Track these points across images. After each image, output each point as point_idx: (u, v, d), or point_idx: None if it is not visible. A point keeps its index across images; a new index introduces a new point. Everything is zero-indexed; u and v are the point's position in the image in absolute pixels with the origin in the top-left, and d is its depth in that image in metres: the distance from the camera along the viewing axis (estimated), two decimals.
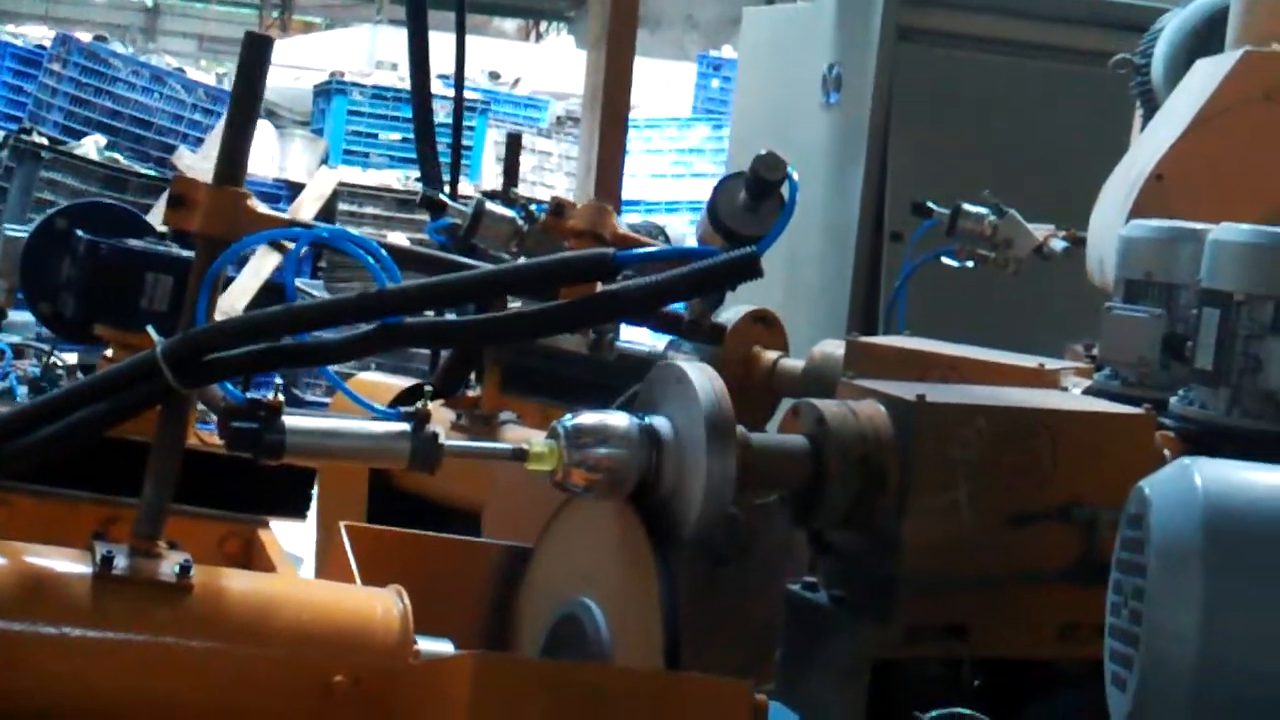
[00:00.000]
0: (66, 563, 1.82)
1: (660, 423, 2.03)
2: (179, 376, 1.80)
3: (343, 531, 2.24)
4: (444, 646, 1.99)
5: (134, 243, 2.26)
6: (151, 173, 9.31)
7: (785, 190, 2.55)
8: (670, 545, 2.02)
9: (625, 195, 7.44)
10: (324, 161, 10.15)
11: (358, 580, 2.12)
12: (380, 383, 3.68)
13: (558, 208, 2.64)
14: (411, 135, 10.66)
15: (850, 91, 5.72)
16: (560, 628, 2.13)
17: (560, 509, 2.21)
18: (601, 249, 1.76)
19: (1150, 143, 3.68)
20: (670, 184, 11.23)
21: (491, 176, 10.46)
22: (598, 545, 2.11)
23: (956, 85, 5.46)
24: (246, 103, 1.83)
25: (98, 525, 1.99)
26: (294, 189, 9.67)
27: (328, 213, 9.76)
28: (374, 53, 15.97)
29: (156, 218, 8.15)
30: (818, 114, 5.90)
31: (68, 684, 1.78)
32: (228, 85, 10.78)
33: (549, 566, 2.23)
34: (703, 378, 1.97)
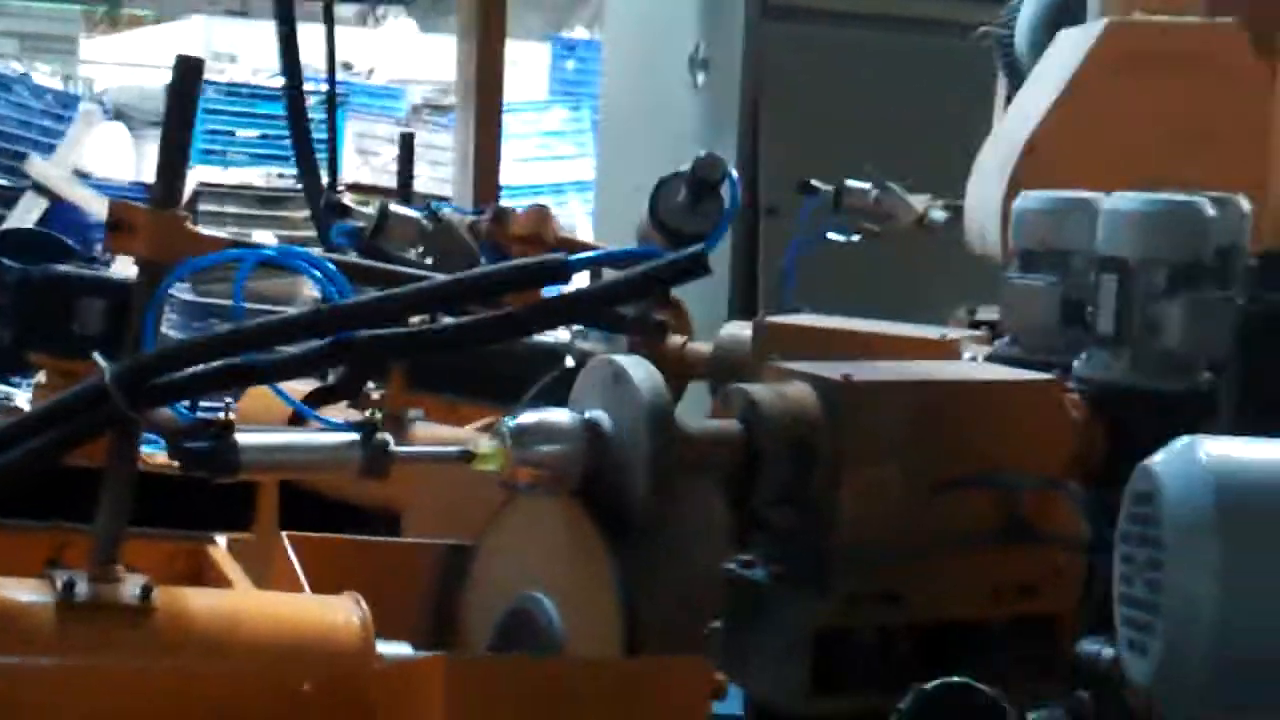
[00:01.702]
0: (27, 592, 1.82)
1: (600, 417, 2.08)
2: (130, 401, 1.81)
3: (285, 541, 2.27)
4: (402, 649, 2.03)
5: (63, 268, 2.25)
6: (3, 181, 9.08)
7: (725, 189, 2.62)
8: (616, 535, 2.08)
9: None
10: None
11: (306, 589, 2.15)
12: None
13: (499, 215, 2.68)
14: (270, 132, 10.49)
15: (718, 72, 5.81)
16: (509, 623, 2.17)
17: (502, 506, 2.26)
18: (555, 255, 1.82)
19: (1019, 115, 3.81)
20: (533, 168, 11.25)
21: (352, 170, 10.37)
22: (544, 540, 2.16)
23: (823, 61, 5.58)
24: (180, 125, 1.84)
25: (49, 554, 1.99)
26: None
27: (189, 213, 9.59)
28: (210, 43, 15.68)
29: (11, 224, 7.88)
30: (687, 95, 5.98)
31: (36, 716, 1.79)
32: (73, 88, 10.55)
33: (493, 563, 2.27)
34: (641, 372, 2.04)
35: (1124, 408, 2.33)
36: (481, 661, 1.94)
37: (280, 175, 9.74)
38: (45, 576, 1.85)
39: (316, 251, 2.24)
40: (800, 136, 5.53)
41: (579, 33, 13.44)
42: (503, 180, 10.92)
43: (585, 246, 2.70)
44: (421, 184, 10.74)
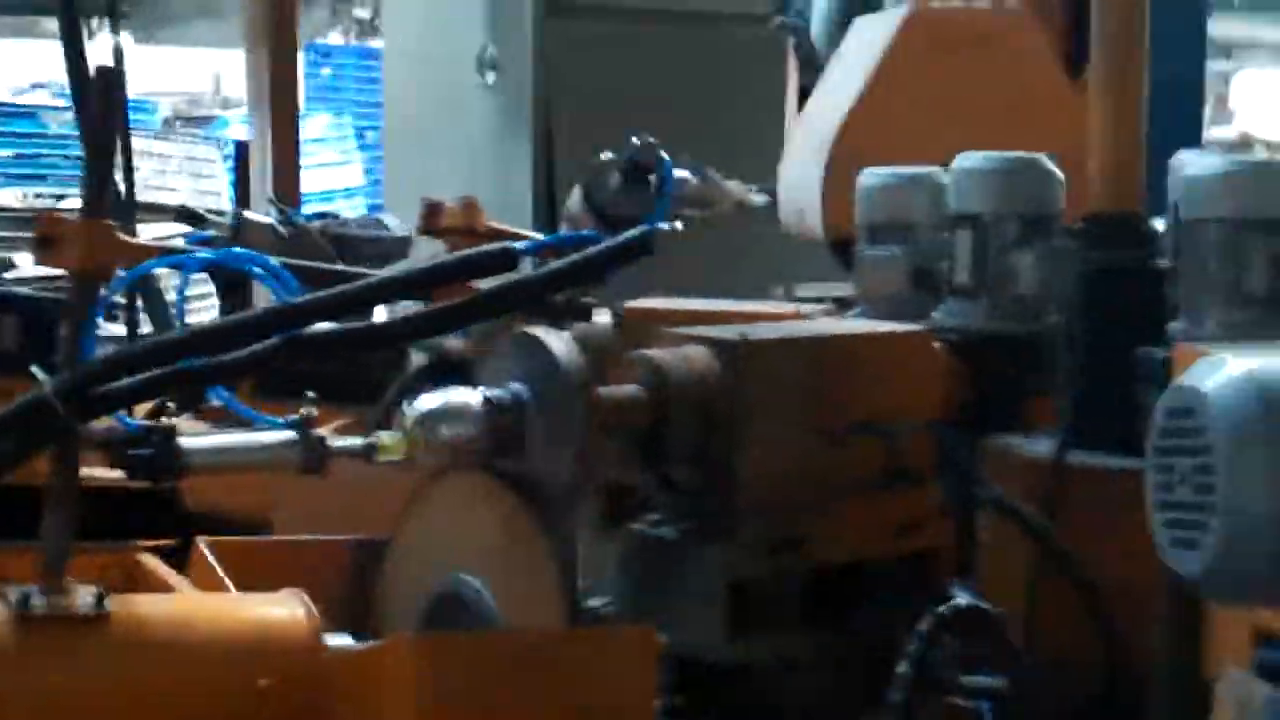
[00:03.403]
0: None
1: (514, 389, 2.13)
2: (76, 412, 1.81)
3: (203, 546, 2.27)
4: (344, 640, 2.07)
5: None
6: None
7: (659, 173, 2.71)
8: (541, 506, 2.14)
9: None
10: None
11: (232, 590, 2.17)
12: None
13: (431, 209, 2.72)
14: (24, 151, 10.10)
15: (507, 70, 5.90)
16: (438, 608, 2.22)
17: (416, 494, 2.30)
18: (503, 244, 1.87)
19: (828, 100, 4.01)
20: (300, 175, 11.07)
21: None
22: (465, 521, 2.21)
23: (612, 57, 5.72)
24: (105, 135, 1.85)
25: None
26: None
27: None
28: None
29: None
30: (477, 95, 6.05)
31: None
32: None
33: (411, 552, 2.31)
34: (559, 342, 2.10)
35: (983, 351, 2.53)
36: (450, 641, 1.98)
37: (38, 195, 9.37)
38: None
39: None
40: (594, 130, 5.65)
41: (334, 39, 13.30)
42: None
43: (515, 235, 2.75)
44: (185, 196, 10.48)
